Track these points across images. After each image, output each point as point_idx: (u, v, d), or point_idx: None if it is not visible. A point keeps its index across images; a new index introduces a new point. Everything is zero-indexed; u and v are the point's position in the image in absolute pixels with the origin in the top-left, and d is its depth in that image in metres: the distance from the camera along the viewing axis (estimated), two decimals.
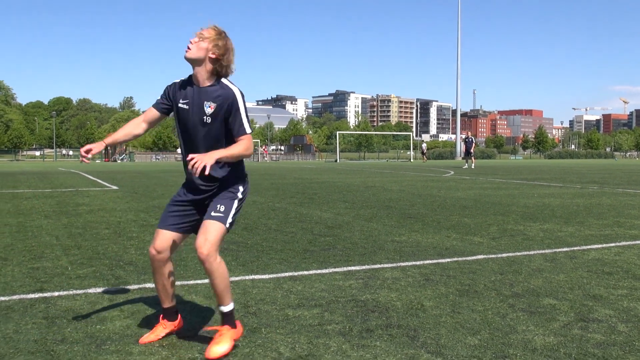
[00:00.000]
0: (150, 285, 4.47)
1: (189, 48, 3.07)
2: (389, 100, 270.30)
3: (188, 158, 2.95)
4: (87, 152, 3.14)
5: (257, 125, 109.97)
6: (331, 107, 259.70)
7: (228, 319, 3.13)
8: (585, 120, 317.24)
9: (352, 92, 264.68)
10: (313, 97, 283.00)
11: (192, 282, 4.60)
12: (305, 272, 4.93)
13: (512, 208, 10.01)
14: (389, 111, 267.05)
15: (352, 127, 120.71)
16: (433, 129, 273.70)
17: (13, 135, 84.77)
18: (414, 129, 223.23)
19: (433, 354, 3.02)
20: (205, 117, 3.09)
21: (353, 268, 5.10)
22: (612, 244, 6.37)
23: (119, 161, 58.49)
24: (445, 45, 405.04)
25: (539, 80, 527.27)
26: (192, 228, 3.26)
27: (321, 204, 10.74)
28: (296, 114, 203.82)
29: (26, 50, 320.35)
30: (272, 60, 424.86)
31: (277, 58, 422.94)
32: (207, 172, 2.89)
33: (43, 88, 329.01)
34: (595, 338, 3.27)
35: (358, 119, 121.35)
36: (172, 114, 3.26)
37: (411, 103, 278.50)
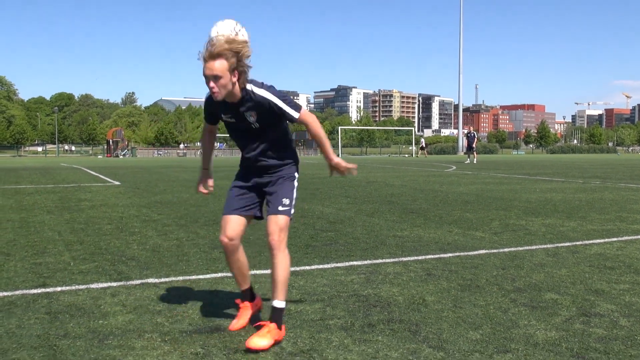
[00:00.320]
0: (152, 280, 4.49)
1: (215, 92, 3.05)
2: (391, 95, 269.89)
3: (350, 168, 3.36)
4: (207, 187, 3.53)
5: None
6: (333, 102, 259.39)
7: (277, 317, 3.14)
8: (587, 115, 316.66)
9: (354, 87, 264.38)
10: (315, 92, 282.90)
11: (194, 277, 4.61)
12: (307, 267, 4.93)
13: (514, 203, 10.00)
14: (391, 106, 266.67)
15: (354, 122, 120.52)
16: (435, 123, 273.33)
17: (15, 131, 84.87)
18: (416, 124, 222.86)
19: (435, 349, 3.02)
20: (252, 125, 3.23)
21: (355, 263, 5.10)
22: (615, 239, 6.37)
23: (120, 157, 58.51)
24: (447, 40, 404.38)
25: (542, 75, 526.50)
26: (255, 210, 3.42)
27: (323, 199, 10.74)
28: None
29: (28, 46, 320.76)
30: (274, 56, 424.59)
31: (278, 53, 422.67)
32: (355, 172, 3.37)
33: (45, 84, 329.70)
34: (597, 333, 3.27)
35: (360, 114, 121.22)
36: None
37: (413, 98, 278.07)
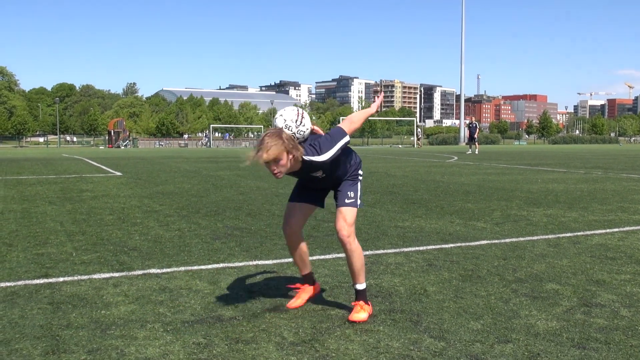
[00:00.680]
0: (154, 270, 4.50)
1: (276, 174, 3.12)
2: (393, 86, 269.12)
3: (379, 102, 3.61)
4: None
5: (260, 111, 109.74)
6: (334, 92, 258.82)
7: (362, 296, 3.42)
8: (589, 105, 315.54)
9: (356, 78, 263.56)
10: (316, 82, 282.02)
11: (196, 267, 4.62)
12: (309, 258, 4.93)
13: (515, 193, 10.00)
14: (392, 96, 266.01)
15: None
16: (437, 114, 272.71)
17: (17, 122, 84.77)
18: (417, 115, 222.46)
19: (436, 339, 3.03)
20: (319, 177, 3.41)
21: None
22: (616, 229, 6.37)
23: (122, 147, 58.52)
24: (449, 30, 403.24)
25: (544, 65, 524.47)
26: (319, 201, 3.63)
27: None
28: (299, 100, 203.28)
29: (29, 36, 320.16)
30: (275, 46, 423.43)
31: (280, 44, 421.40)
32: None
33: (46, 74, 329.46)
34: (598, 323, 3.28)
35: (362, 104, 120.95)
36: None
37: (415, 88, 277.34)
